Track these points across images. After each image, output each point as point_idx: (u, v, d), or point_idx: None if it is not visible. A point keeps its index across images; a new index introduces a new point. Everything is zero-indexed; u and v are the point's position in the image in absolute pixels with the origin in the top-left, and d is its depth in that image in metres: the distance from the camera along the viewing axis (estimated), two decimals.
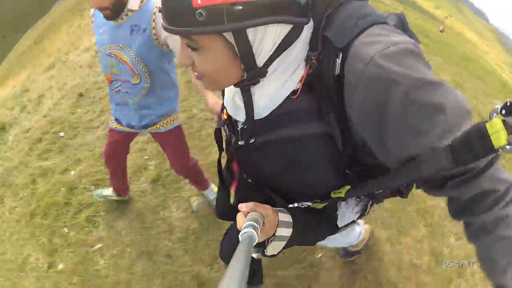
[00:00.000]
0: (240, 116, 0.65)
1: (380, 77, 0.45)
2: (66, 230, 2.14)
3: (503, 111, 0.41)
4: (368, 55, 0.46)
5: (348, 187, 0.64)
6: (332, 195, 0.67)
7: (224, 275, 0.34)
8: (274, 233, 0.59)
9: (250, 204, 0.58)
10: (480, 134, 0.41)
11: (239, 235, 0.48)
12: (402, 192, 0.80)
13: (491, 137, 0.40)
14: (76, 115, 3.12)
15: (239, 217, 0.57)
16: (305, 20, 0.51)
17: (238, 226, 0.54)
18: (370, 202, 0.88)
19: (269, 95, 0.57)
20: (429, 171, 0.45)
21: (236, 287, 0.32)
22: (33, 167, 2.68)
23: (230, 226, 1.14)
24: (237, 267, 0.36)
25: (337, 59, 0.50)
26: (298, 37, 0.52)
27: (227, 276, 0.33)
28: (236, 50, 0.50)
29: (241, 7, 0.44)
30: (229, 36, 0.48)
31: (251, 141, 0.64)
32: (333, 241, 1.27)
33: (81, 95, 3.37)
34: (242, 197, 0.83)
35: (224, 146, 0.81)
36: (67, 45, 5.32)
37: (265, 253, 0.61)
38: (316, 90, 0.54)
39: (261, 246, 0.61)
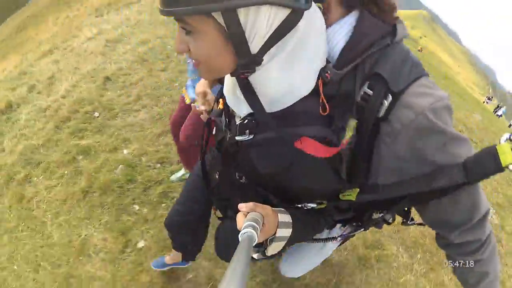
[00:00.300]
0: (241, 109, 0.60)
1: (426, 129, 0.51)
2: (136, 207, 1.90)
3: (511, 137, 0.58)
4: (420, 106, 0.50)
5: (357, 189, 0.62)
6: (340, 197, 0.65)
7: (224, 275, 0.33)
8: (274, 234, 0.57)
9: (250, 204, 0.55)
10: (491, 154, 0.48)
11: (239, 235, 0.46)
12: (389, 222, 0.89)
13: (500, 157, 0.47)
14: (108, 97, 2.86)
15: (239, 217, 0.54)
16: (304, 6, 0.46)
17: (238, 226, 0.51)
18: (362, 229, 0.92)
19: (279, 90, 0.53)
20: (443, 183, 0.52)
21: (236, 287, 0.31)
22: (67, 145, 2.34)
23: (220, 223, 0.96)
24: (237, 268, 0.35)
25: (385, 101, 0.51)
26: (297, 23, 0.48)
27: (227, 276, 0.33)
28: (227, 33, 0.46)
29: None
30: (219, 17, 0.44)
31: (249, 138, 0.59)
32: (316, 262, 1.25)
33: (108, 79, 3.11)
34: (235, 198, 0.78)
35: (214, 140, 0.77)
36: (61, 34, 4.86)
37: (266, 254, 0.59)
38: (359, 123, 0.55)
39: (261, 246, 0.59)
